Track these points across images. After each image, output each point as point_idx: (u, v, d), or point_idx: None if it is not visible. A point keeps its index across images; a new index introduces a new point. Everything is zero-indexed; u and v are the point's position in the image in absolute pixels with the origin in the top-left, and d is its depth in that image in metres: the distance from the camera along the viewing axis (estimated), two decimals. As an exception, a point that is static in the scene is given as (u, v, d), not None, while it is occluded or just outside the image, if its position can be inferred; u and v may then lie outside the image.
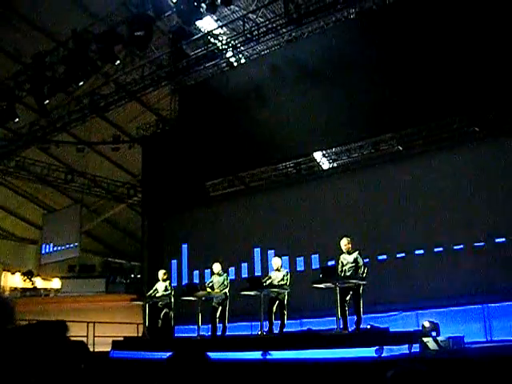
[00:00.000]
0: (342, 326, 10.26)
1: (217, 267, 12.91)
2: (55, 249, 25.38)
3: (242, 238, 16.20)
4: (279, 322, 11.85)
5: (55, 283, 24.67)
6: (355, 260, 10.65)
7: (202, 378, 1.75)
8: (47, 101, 16.13)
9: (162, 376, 1.73)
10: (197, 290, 12.93)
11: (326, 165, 16.20)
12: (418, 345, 9.10)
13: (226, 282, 12.68)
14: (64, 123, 18.55)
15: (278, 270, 11.98)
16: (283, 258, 12.59)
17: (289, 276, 11.97)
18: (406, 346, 8.90)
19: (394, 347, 8.72)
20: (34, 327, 1.30)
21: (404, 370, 2.23)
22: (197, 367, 1.77)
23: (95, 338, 15.99)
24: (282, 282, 11.79)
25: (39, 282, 24.71)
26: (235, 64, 17.60)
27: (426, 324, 10.60)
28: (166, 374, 1.74)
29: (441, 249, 12.87)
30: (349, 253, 10.79)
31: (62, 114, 18.29)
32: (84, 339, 14.00)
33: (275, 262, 12.08)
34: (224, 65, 17.58)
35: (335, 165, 16.18)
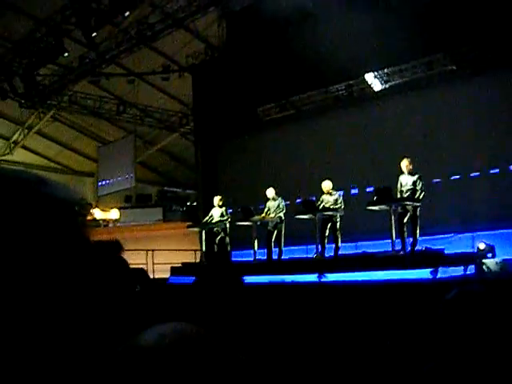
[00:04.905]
0: (397, 248, 10.31)
1: (271, 192, 12.99)
2: (112, 180, 25.93)
3: (296, 162, 16.20)
4: (333, 245, 11.97)
5: (113, 214, 25.30)
6: (414, 183, 10.54)
7: (232, 300, 1.79)
8: (95, 33, 16.16)
9: (189, 298, 1.78)
10: (252, 214, 13.11)
11: (377, 86, 15.82)
12: (473, 266, 9.07)
13: (281, 206, 12.79)
14: (113, 55, 18.60)
15: (329, 193, 12.00)
16: (338, 181, 12.60)
17: (341, 199, 11.99)
18: (462, 267, 8.89)
19: (449, 269, 8.73)
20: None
21: (463, 291, 2.23)
22: (228, 289, 1.81)
23: (155, 266, 16.49)
24: (336, 206, 11.83)
25: (98, 214, 25.37)
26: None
27: (482, 246, 10.52)
28: (193, 296, 1.80)
29: (497, 170, 12.60)
30: (410, 174, 10.67)
31: (111, 46, 18.33)
32: (144, 266, 14.44)
33: (326, 185, 12.07)
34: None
35: (387, 86, 15.81)
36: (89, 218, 25.02)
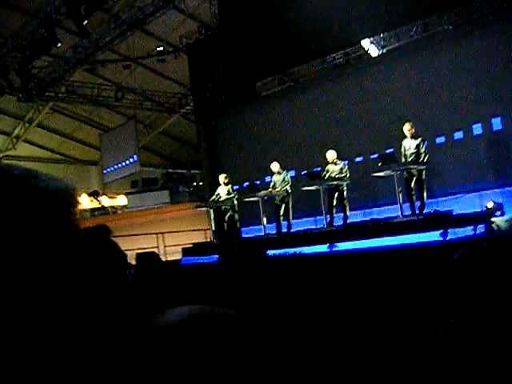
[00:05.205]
0: (406, 213, 10.35)
1: (275, 166, 12.99)
2: (116, 167, 25.98)
3: (298, 134, 16.15)
4: (342, 214, 12.01)
5: (121, 200, 25.39)
6: (418, 146, 10.54)
7: (259, 275, 1.81)
8: (86, 21, 16.07)
9: (208, 278, 1.81)
10: (258, 190, 13.14)
11: (374, 52, 15.70)
12: (482, 226, 9.08)
13: (286, 179, 12.80)
14: (106, 42, 18.52)
15: (333, 162, 12.00)
16: (341, 150, 12.61)
17: (347, 167, 12.00)
18: (471, 227, 8.90)
19: (459, 229, 8.74)
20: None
21: (470, 250, 2.25)
22: (255, 264, 1.83)
23: (166, 248, 16.57)
24: (342, 175, 11.84)
25: (106, 201, 25.45)
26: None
27: (490, 204, 10.51)
28: (219, 273, 1.82)
29: (500, 127, 12.50)
30: (413, 137, 10.67)
31: (103, 33, 18.24)
32: (155, 250, 14.52)
33: (330, 155, 12.07)
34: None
35: (384, 51, 15.69)
36: (97, 205, 25.13)
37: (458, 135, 13.10)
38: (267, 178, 14.17)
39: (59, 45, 17.20)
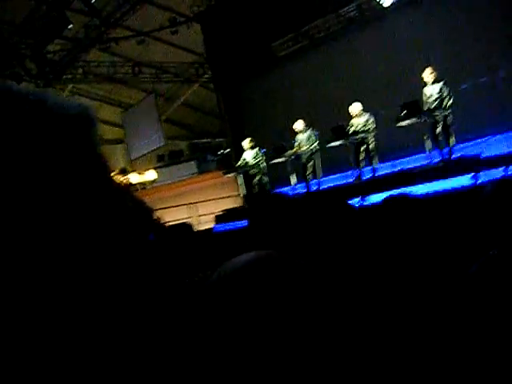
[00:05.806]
0: (434, 160, 10.24)
1: (299, 124, 12.87)
2: (141, 143, 26.06)
3: (319, 92, 16.01)
4: (370, 167, 11.94)
5: (150, 175, 25.46)
6: (441, 90, 10.34)
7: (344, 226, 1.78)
8: (93, -1, 16.06)
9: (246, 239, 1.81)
10: (284, 150, 13.07)
11: (387, 1, 15.27)
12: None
13: (312, 137, 12.70)
14: (116, 18, 18.44)
15: (358, 116, 11.85)
16: (364, 104, 12.42)
17: (373, 119, 11.84)
18: (502, 168, 8.78)
19: (490, 171, 8.63)
20: None
21: (499, 184, 2.21)
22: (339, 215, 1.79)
23: (200, 218, 16.65)
24: (367, 127, 11.71)
25: (135, 178, 25.54)
26: None
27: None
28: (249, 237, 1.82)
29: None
30: (435, 82, 10.46)
31: (113, 10, 18.14)
32: (189, 220, 14.59)
33: (354, 107, 11.92)
34: None
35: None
36: (126, 183, 25.23)
37: (482, 79, 12.77)
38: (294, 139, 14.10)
39: (70, 26, 17.19)
